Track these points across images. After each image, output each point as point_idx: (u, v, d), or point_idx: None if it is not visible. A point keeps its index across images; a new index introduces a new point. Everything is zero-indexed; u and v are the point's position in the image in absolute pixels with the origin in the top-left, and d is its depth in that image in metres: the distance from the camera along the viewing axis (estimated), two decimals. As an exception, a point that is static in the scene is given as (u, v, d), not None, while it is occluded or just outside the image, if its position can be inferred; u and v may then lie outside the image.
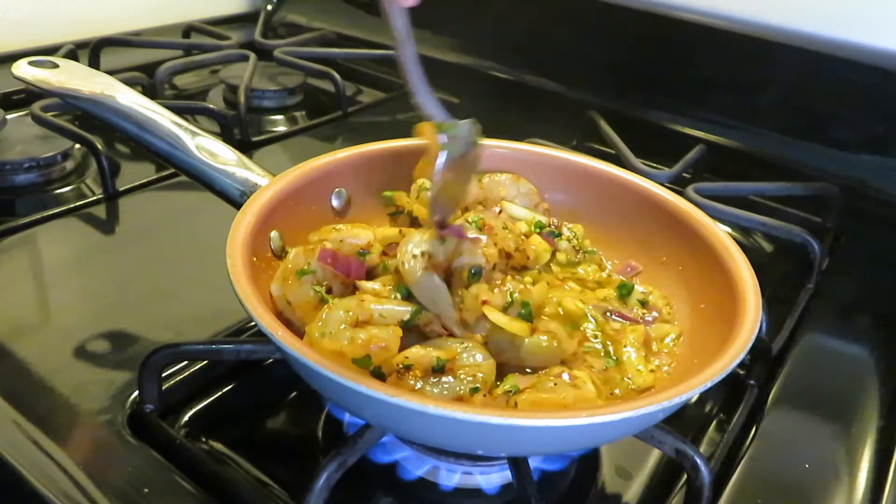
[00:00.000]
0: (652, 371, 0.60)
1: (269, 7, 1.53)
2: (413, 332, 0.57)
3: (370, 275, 0.63)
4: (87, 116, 0.94)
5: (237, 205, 0.64)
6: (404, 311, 0.56)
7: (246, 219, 0.59)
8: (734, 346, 0.51)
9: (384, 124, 1.22)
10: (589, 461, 0.62)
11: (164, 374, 0.60)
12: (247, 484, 0.56)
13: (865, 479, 0.60)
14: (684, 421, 0.66)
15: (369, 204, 0.72)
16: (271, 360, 0.66)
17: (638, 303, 0.67)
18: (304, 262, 0.60)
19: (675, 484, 0.59)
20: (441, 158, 0.58)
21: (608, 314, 0.64)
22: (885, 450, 0.64)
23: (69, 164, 0.97)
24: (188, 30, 1.40)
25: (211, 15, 1.49)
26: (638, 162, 1.02)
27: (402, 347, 0.54)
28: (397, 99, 1.26)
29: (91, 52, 1.22)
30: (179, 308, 0.73)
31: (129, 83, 0.76)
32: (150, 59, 1.23)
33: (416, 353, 0.53)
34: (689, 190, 0.93)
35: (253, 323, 0.57)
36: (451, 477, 0.59)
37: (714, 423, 0.67)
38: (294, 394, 0.66)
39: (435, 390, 0.51)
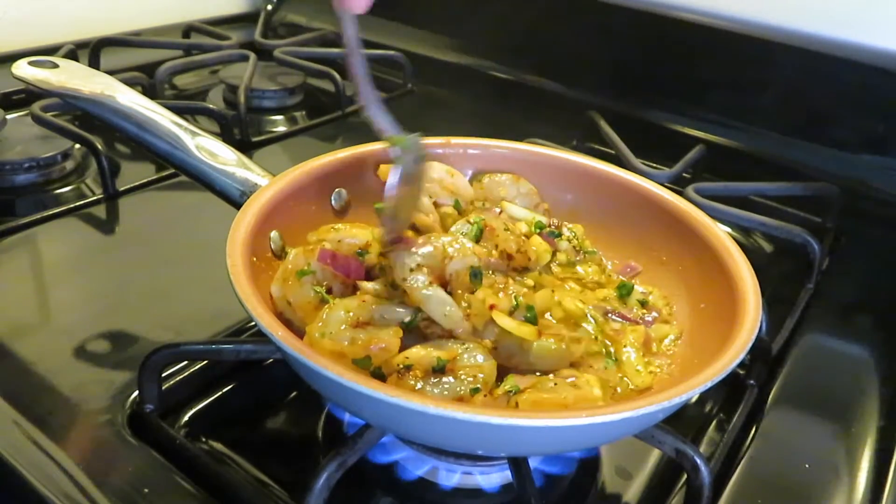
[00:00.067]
0: (651, 372, 0.60)
1: (269, 7, 1.53)
2: (413, 333, 0.57)
3: (369, 275, 0.63)
4: (87, 116, 0.94)
5: (237, 205, 0.64)
6: (405, 312, 0.57)
7: (246, 219, 0.59)
8: (734, 346, 0.51)
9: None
10: (589, 461, 0.62)
11: (164, 374, 0.60)
12: (247, 484, 0.56)
13: (865, 479, 0.60)
14: (684, 421, 0.66)
15: (369, 204, 0.72)
16: (271, 360, 0.66)
17: (638, 303, 0.66)
18: (304, 263, 0.60)
19: (675, 484, 0.59)
20: (395, 173, 0.59)
21: (608, 314, 0.64)
22: (885, 450, 0.64)
23: (69, 164, 0.97)
24: (188, 30, 1.40)
25: (211, 15, 1.49)
26: (638, 162, 1.02)
27: (403, 348, 0.54)
28: (397, 99, 1.26)
29: (91, 52, 1.22)
30: (179, 308, 0.73)
31: (129, 83, 0.76)
32: (150, 59, 1.23)
33: (417, 353, 0.53)
34: (689, 190, 0.93)
35: (253, 323, 0.57)
36: (451, 477, 0.59)
37: (714, 423, 0.67)
38: (294, 394, 0.66)
39: (435, 390, 0.51)
